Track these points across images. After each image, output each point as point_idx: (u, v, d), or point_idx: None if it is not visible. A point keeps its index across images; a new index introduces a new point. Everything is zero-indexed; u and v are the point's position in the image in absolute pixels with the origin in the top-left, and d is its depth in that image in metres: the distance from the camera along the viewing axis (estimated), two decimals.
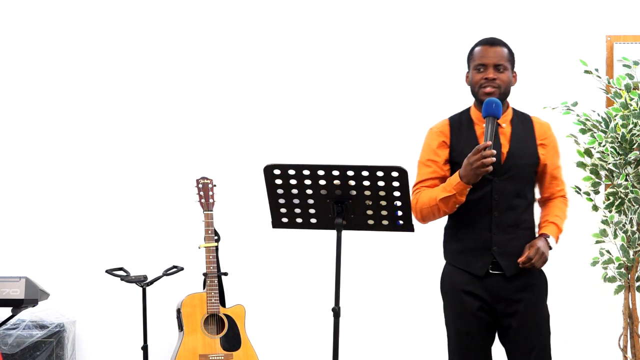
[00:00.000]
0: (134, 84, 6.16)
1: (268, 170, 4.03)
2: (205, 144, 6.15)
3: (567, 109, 5.73)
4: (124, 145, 6.16)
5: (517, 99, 4.49)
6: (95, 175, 6.14)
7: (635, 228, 5.58)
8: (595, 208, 5.66)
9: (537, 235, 4.23)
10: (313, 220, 4.09)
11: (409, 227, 4.06)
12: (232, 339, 5.65)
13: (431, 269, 6.12)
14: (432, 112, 6.12)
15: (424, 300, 6.11)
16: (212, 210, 5.70)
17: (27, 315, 5.76)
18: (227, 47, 6.17)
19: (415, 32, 6.15)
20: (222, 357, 5.59)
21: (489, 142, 3.99)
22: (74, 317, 6.00)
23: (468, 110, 4.27)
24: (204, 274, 5.67)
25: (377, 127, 6.14)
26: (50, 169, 6.13)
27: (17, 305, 4.59)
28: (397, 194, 3.98)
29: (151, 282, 5.55)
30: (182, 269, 5.65)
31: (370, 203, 4.01)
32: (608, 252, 5.68)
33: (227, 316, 5.66)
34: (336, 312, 3.97)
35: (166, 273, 5.62)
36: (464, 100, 6.09)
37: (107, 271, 5.60)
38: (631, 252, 5.61)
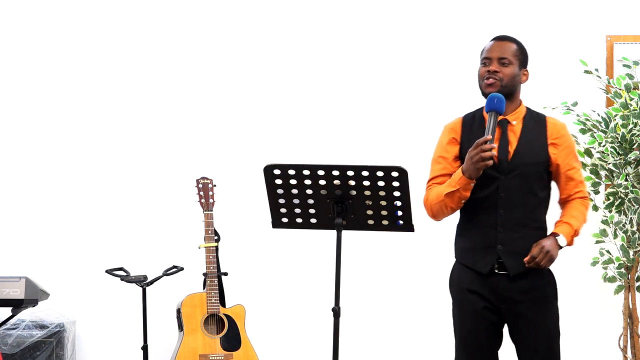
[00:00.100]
0: (134, 84, 6.16)
1: (268, 170, 4.03)
2: (205, 144, 6.15)
3: (567, 109, 5.73)
4: (124, 145, 6.16)
5: None
6: (96, 176, 6.14)
7: (635, 228, 5.58)
8: (595, 208, 5.66)
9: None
10: (313, 220, 4.09)
11: (409, 227, 4.06)
12: (232, 339, 5.65)
13: (431, 269, 6.13)
14: (432, 112, 6.14)
15: (424, 300, 6.11)
16: (212, 210, 5.70)
17: (27, 315, 5.75)
18: (227, 47, 6.17)
19: (414, 32, 6.15)
20: (222, 357, 5.59)
21: (489, 137, 3.99)
22: (74, 317, 6.00)
23: (482, 108, 4.25)
24: (204, 274, 5.67)
25: (377, 127, 6.14)
26: (50, 169, 6.13)
27: (17, 305, 4.59)
28: (397, 194, 3.98)
29: (151, 282, 5.55)
30: (182, 269, 5.65)
31: (370, 203, 4.01)
32: (608, 252, 5.68)
33: (227, 316, 5.66)
34: (336, 312, 3.97)
35: (166, 273, 5.62)
36: (464, 100, 6.09)
37: (107, 271, 5.60)
38: (631, 252, 5.61)
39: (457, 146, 4.21)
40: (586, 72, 5.73)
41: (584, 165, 5.64)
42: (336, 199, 4.01)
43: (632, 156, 5.51)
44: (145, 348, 5.51)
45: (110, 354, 6.11)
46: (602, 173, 5.62)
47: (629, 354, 5.68)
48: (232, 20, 6.17)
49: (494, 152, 3.98)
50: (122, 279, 5.55)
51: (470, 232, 4.19)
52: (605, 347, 5.96)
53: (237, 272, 5.95)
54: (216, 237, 5.68)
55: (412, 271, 6.12)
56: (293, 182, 4.02)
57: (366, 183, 3.98)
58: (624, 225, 5.56)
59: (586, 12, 6.06)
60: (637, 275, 5.69)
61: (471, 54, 6.10)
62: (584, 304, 5.98)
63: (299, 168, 4.00)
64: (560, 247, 4.07)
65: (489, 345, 4.18)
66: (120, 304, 6.06)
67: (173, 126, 6.16)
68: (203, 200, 5.70)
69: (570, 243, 4.11)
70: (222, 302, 5.68)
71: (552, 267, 4.33)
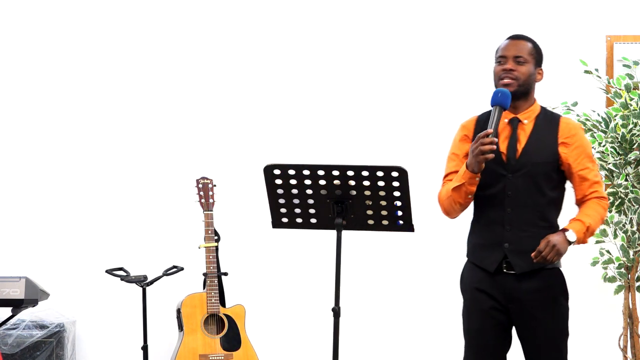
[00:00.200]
0: (134, 84, 6.16)
1: (268, 170, 4.03)
2: (205, 144, 6.15)
3: (567, 109, 5.73)
4: (124, 145, 6.16)
5: None
6: (96, 176, 6.14)
7: (635, 228, 5.58)
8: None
9: None
10: (313, 220, 4.09)
11: (409, 227, 4.06)
12: (232, 339, 5.65)
13: (431, 269, 6.13)
14: (432, 112, 6.14)
15: (424, 300, 6.11)
16: (212, 210, 5.70)
17: (27, 315, 5.75)
18: (227, 47, 6.17)
19: (414, 32, 6.15)
20: (222, 357, 5.59)
21: (490, 130, 3.98)
22: (74, 317, 6.00)
23: None
24: (204, 274, 5.67)
25: (377, 127, 6.14)
26: (50, 169, 6.13)
27: (17, 305, 4.59)
28: (397, 194, 3.98)
29: (151, 282, 5.55)
30: (182, 269, 5.65)
31: (370, 203, 4.01)
32: (608, 252, 5.68)
33: (227, 316, 5.66)
34: (336, 312, 3.97)
35: (166, 273, 5.62)
36: (464, 100, 6.10)
37: (107, 271, 5.60)
38: (631, 252, 5.61)
39: (469, 144, 4.20)
40: (586, 72, 5.73)
41: None
42: (336, 199, 4.01)
43: (632, 156, 5.51)
44: (145, 348, 5.51)
45: (110, 354, 6.11)
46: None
47: (629, 354, 5.68)
48: (232, 20, 6.17)
49: (494, 147, 3.97)
50: (122, 279, 5.55)
51: (479, 229, 4.18)
52: (605, 347, 5.95)
53: (237, 272, 5.95)
54: (216, 237, 5.68)
55: (412, 271, 6.12)
56: (293, 182, 4.02)
57: (366, 183, 3.98)
58: (624, 225, 5.56)
59: (586, 12, 6.06)
60: (637, 275, 5.69)
61: (471, 54, 6.12)
62: (584, 304, 5.98)
63: (299, 168, 4.00)
64: (570, 243, 4.01)
65: (497, 345, 4.15)
66: (120, 304, 6.06)
67: (173, 126, 6.16)
68: (203, 200, 5.70)
69: (582, 240, 4.06)
70: (222, 302, 5.68)
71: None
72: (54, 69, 6.15)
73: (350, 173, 3.97)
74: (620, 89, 5.61)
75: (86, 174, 6.14)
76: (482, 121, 4.22)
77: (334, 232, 4.03)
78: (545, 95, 5.88)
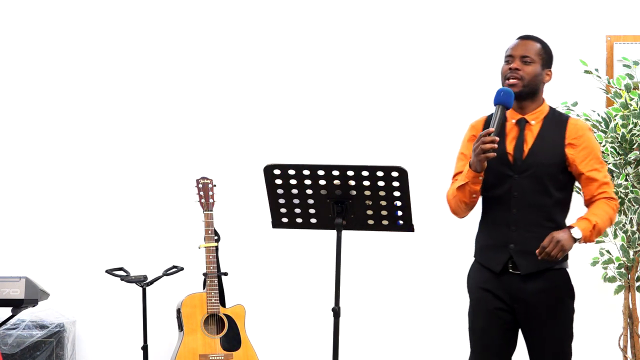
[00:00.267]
0: (134, 84, 6.16)
1: (268, 170, 4.03)
2: (205, 144, 6.15)
3: (567, 109, 5.73)
4: (124, 145, 6.16)
5: None
6: (95, 176, 6.14)
7: (635, 228, 5.58)
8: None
9: None
10: (313, 220, 4.09)
11: (409, 227, 4.06)
12: (232, 339, 5.65)
13: (432, 269, 6.13)
14: (432, 112, 6.14)
15: (424, 300, 6.11)
16: (212, 210, 5.70)
17: (27, 315, 5.75)
18: (227, 47, 6.17)
19: (414, 32, 6.15)
20: (222, 357, 5.59)
21: (491, 129, 3.98)
22: (74, 317, 6.00)
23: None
24: (204, 274, 5.67)
25: (377, 127, 6.14)
26: (50, 169, 6.13)
27: (17, 305, 4.59)
28: (397, 194, 3.98)
29: (151, 282, 5.55)
30: (182, 269, 5.65)
31: (370, 203, 4.01)
32: (608, 252, 5.68)
33: (227, 316, 5.66)
34: (336, 312, 3.97)
35: (166, 273, 5.62)
36: (464, 100, 6.10)
37: (107, 271, 5.60)
38: (631, 252, 5.61)
39: None
40: (586, 72, 5.73)
41: None
42: (336, 199, 4.01)
43: (632, 156, 5.51)
44: (145, 348, 5.51)
45: (110, 354, 6.11)
46: None
47: (629, 354, 5.68)
48: (232, 20, 6.17)
49: (495, 145, 3.97)
50: (122, 279, 5.55)
51: (486, 230, 4.18)
52: (605, 347, 5.95)
53: (237, 272, 5.95)
54: (216, 237, 5.68)
55: (412, 271, 6.12)
56: (293, 182, 4.02)
57: (366, 183, 3.98)
58: (624, 225, 5.56)
59: (586, 12, 6.06)
60: (637, 275, 5.69)
61: (472, 55, 6.12)
62: (584, 304, 5.96)
63: (299, 168, 4.00)
64: (575, 240, 3.99)
65: (502, 345, 4.13)
66: (120, 304, 6.06)
67: (173, 126, 6.16)
68: (203, 200, 5.70)
69: (588, 238, 4.03)
70: (222, 302, 5.68)
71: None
72: (54, 69, 6.15)
73: (350, 173, 3.97)
74: (620, 89, 5.61)
75: (86, 174, 6.14)
76: (490, 120, 4.21)
77: (334, 232, 4.03)
78: (546, 95, 5.88)
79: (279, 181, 4.03)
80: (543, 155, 4.08)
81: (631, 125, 5.49)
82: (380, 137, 6.13)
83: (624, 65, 5.75)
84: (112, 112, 6.17)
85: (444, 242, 6.07)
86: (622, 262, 5.63)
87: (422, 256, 6.10)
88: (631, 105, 5.52)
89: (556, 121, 4.15)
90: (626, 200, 5.56)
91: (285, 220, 4.11)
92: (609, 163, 5.53)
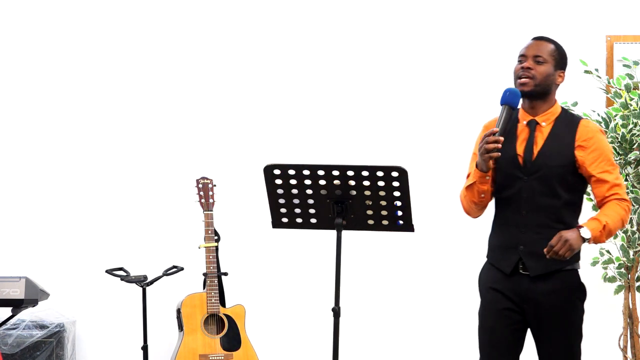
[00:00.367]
0: (134, 84, 6.16)
1: (268, 170, 4.03)
2: (205, 144, 6.15)
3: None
4: (124, 145, 6.16)
5: None
6: (95, 175, 6.14)
7: (635, 228, 5.58)
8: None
9: None
10: (313, 220, 4.09)
11: (409, 227, 4.06)
12: (232, 339, 5.65)
13: (432, 269, 6.13)
14: (432, 112, 6.14)
15: (424, 300, 6.11)
16: (212, 210, 5.70)
17: (27, 315, 5.75)
18: (227, 47, 6.17)
19: (414, 32, 6.15)
20: (222, 357, 5.59)
21: (496, 129, 3.98)
22: (74, 317, 6.00)
23: (519, 109, 4.21)
24: (204, 274, 5.67)
25: (377, 127, 6.14)
26: (50, 169, 6.13)
27: (17, 305, 4.59)
28: (397, 194, 3.98)
29: (151, 282, 5.55)
30: (182, 269, 5.65)
31: (370, 203, 4.01)
32: (608, 252, 5.68)
33: (227, 316, 5.66)
34: (336, 312, 3.97)
35: (166, 273, 5.62)
36: (464, 100, 6.10)
37: (107, 271, 5.60)
38: (631, 252, 5.61)
39: None
40: (586, 72, 5.73)
41: None
42: (336, 199, 4.01)
43: (632, 156, 5.51)
44: (145, 348, 5.51)
45: (110, 354, 6.11)
46: None
47: (629, 354, 5.68)
48: (232, 20, 6.17)
49: (499, 145, 3.96)
50: (122, 279, 5.55)
51: (498, 230, 4.17)
52: (605, 347, 5.95)
53: (237, 272, 5.95)
54: (216, 237, 5.68)
55: (412, 271, 6.12)
56: (293, 182, 4.02)
57: (366, 183, 3.98)
58: None
59: (586, 12, 6.06)
60: (637, 275, 5.69)
61: (472, 55, 6.12)
62: (584, 303, 5.97)
63: (299, 168, 4.00)
64: (584, 240, 3.98)
65: (510, 345, 4.12)
66: (120, 304, 6.06)
67: (173, 126, 6.16)
68: (203, 200, 5.70)
69: (598, 239, 4.01)
70: (222, 302, 5.68)
71: None
72: (54, 70, 6.15)
73: (350, 173, 3.97)
74: (620, 89, 5.61)
75: (86, 174, 6.14)
76: None
77: (334, 232, 4.03)
78: None
79: (279, 181, 4.03)
80: (552, 157, 4.07)
81: (631, 125, 5.49)
82: (380, 137, 6.13)
83: (624, 65, 5.75)
84: (112, 112, 6.16)
85: (444, 242, 6.07)
86: (622, 262, 5.63)
87: (422, 256, 6.09)
88: (631, 105, 5.53)
89: (567, 123, 4.14)
90: None
91: (285, 220, 4.11)
92: None
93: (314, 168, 3.99)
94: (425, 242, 6.00)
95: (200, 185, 5.71)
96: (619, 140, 5.51)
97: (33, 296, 4.59)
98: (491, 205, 4.20)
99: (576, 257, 4.10)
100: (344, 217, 4.02)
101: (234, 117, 6.16)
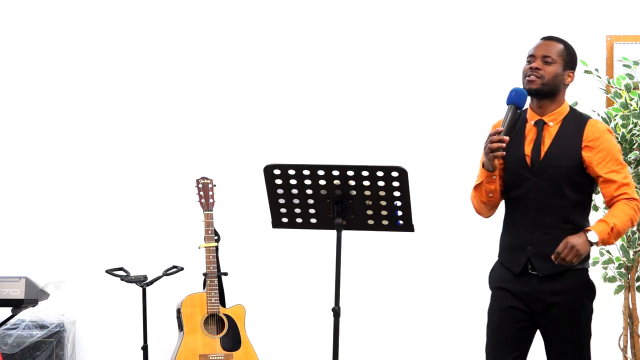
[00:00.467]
0: (134, 84, 6.16)
1: (268, 170, 4.03)
2: (205, 144, 6.15)
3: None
4: (124, 145, 6.16)
5: None
6: (95, 175, 6.14)
7: (635, 228, 5.58)
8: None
9: None
10: (313, 220, 4.09)
11: (408, 227, 4.06)
12: (232, 339, 5.65)
13: (432, 269, 6.13)
14: (432, 112, 6.14)
15: (423, 299, 6.11)
16: (212, 210, 5.70)
17: (27, 315, 5.75)
18: (227, 47, 6.17)
19: (414, 32, 6.15)
20: (222, 357, 5.59)
21: (500, 128, 3.98)
22: (74, 317, 6.00)
23: (527, 110, 4.20)
24: (204, 274, 5.67)
25: (377, 127, 6.14)
26: (50, 169, 6.13)
27: (17, 305, 4.59)
28: (397, 194, 3.98)
29: (151, 282, 5.55)
30: (182, 269, 5.65)
31: (370, 203, 4.01)
32: (608, 252, 5.68)
33: (227, 316, 5.66)
34: (336, 312, 3.97)
35: (166, 273, 5.62)
36: (464, 100, 6.10)
37: (107, 271, 5.60)
38: (631, 252, 5.61)
39: None
40: (586, 72, 5.73)
41: None
42: (336, 199, 4.01)
43: (632, 156, 5.51)
44: (145, 348, 5.51)
45: (110, 354, 6.11)
46: None
47: (629, 354, 5.68)
48: (232, 20, 6.17)
49: (503, 145, 3.96)
50: (122, 279, 5.55)
51: (508, 231, 4.17)
52: (605, 347, 5.95)
53: (237, 272, 5.95)
54: (216, 237, 5.68)
55: (412, 271, 6.12)
56: (293, 182, 4.03)
57: (366, 183, 3.98)
58: None
59: (586, 12, 6.06)
60: (637, 275, 5.69)
61: (472, 55, 6.12)
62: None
63: (299, 168, 4.00)
64: (592, 244, 3.98)
65: (516, 343, 4.12)
66: (120, 304, 6.06)
67: (173, 126, 6.16)
68: (203, 200, 5.70)
69: (606, 241, 4.01)
70: (222, 302, 5.68)
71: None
72: (54, 69, 6.15)
73: (350, 173, 3.97)
74: (620, 89, 5.61)
75: (86, 174, 6.14)
76: None
77: (334, 232, 4.03)
78: None
79: (279, 181, 4.03)
80: (559, 157, 4.06)
81: (631, 125, 5.49)
82: (380, 137, 6.13)
83: (624, 65, 5.75)
84: (112, 112, 6.16)
85: (444, 242, 6.07)
86: (622, 262, 5.63)
87: (422, 256, 6.09)
88: (631, 105, 5.52)
89: (575, 123, 4.12)
90: None
91: (285, 220, 4.11)
92: None
93: (314, 168, 3.99)
94: (425, 242, 6.00)
95: (200, 185, 5.71)
96: (619, 140, 5.51)
97: (33, 296, 4.59)
98: (502, 206, 4.20)
99: (585, 256, 4.09)
100: (344, 217, 4.02)
101: (234, 117, 6.16)
